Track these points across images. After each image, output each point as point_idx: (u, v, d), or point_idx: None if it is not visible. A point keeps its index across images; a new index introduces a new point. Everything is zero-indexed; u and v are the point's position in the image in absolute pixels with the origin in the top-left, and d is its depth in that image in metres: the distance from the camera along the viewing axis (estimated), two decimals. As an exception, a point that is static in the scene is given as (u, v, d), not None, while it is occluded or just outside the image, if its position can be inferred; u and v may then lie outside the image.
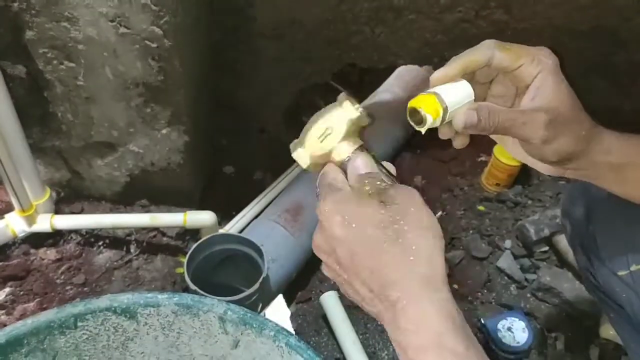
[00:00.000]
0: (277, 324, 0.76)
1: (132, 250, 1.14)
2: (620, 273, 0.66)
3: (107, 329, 0.77)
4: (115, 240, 1.14)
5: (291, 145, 0.54)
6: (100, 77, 0.97)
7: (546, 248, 1.14)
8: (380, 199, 0.46)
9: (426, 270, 0.43)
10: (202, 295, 0.89)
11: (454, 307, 0.42)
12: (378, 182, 0.48)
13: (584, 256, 0.74)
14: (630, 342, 0.73)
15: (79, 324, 0.75)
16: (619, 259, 0.67)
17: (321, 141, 0.53)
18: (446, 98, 0.52)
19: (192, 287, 0.95)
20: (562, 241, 1.12)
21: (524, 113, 0.52)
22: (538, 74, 0.52)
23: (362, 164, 0.50)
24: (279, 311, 1.10)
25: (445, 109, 0.52)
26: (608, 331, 1.00)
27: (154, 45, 0.91)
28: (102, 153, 1.09)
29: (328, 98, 1.67)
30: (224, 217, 1.19)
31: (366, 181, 0.48)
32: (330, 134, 0.53)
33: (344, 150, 0.52)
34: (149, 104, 1.00)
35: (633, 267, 0.65)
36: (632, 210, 0.62)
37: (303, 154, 0.54)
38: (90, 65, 0.95)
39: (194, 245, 1.01)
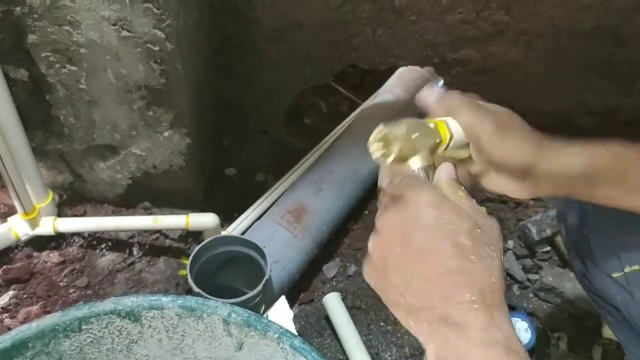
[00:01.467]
0: (281, 326, 0.76)
1: (134, 253, 1.14)
2: (614, 275, 0.67)
3: (111, 332, 0.77)
4: (118, 242, 1.14)
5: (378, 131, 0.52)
6: (103, 81, 0.97)
7: (548, 248, 1.14)
8: (473, 212, 0.45)
9: (499, 293, 0.42)
10: (206, 297, 0.90)
11: (510, 335, 0.41)
12: (473, 201, 0.47)
13: (579, 260, 0.74)
14: (628, 344, 0.73)
15: (84, 327, 0.75)
16: (612, 261, 0.67)
17: (413, 140, 0.51)
18: (453, 127, 0.53)
19: (196, 289, 0.95)
20: (562, 242, 1.12)
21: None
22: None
23: (453, 171, 0.50)
24: (281, 313, 1.10)
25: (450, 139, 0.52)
26: (610, 331, 1.00)
27: (156, 48, 0.91)
28: (104, 156, 1.09)
29: (329, 99, 1.67)
30: (226, 218, 1.20)
31: (461, 189, 0.48)
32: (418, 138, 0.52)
33: (422, 160, 0.51)
34: (151, 106, 1.00)
35: (627, 269, 0.65)
36: (625, 212, 0.62)
37: (394, 145, 0.51)
38: (92, 69, 0.95)
39: (197, 248, 1.01)
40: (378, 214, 0.48)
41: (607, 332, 1.01)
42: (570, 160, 0.54)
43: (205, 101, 1.18)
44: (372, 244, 0.47)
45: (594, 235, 0.71)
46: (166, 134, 1.04)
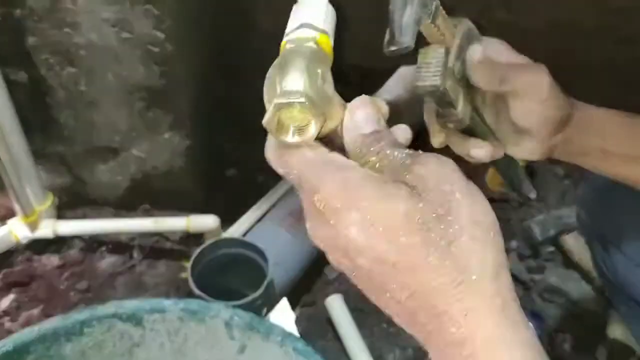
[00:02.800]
0: (284, 329, 0.75)
1: (135, 256, 1.13)
2: None
3: (113, 335, 0.77)
4: (118, 245, 1.13)
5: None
6: (103, 82, 0.97)
7: (552, 248, 1.14)
8: (403, 179, 0.32)
9: (496, 293, 0.31)
10: (207, 300, 0.89)
11: (538, 345, 0.31)
12: (396, 153, 0.33)
13: (600, 247, 0.73)
14: (637, 332, 0.73)
15: (85, 330, 0.75)
16: None
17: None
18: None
19: (197, 291, 0.94)
20: (568, 241, 1.12)
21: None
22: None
23: (364, 116, 0.35)
24: (283, 315, 1.10)
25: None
26: (615, 331, 1.00)
27: (156, 49, 0.91)
28: (104, 158, 1.08)
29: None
30: (227, 220, 1.19)
31: (372, 148, 0.34)
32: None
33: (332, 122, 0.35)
34: (151, 108, 1.00)
35: None
36: None
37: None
38: (92, 71, 0.95)
39: (198, 250, 1.00)
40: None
41: (613, 332, 1.00)
42: (588, 118, 0.53)
43: (206, 102, 1.18)
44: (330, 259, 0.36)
45: (626, 219, 0.69)
46: (166, 135, 1.04)
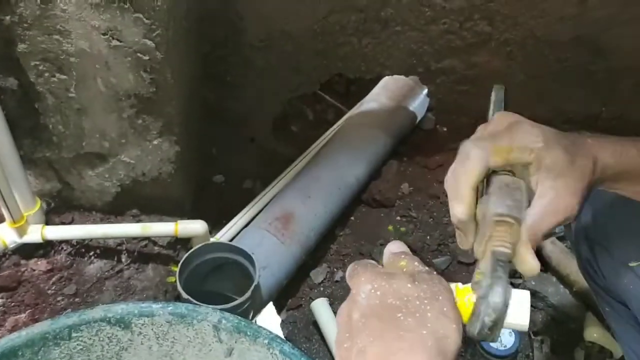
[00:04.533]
0: (271, 332, 0.77)
1: (123, 260, 1.14)
2: (631, 264, 0.68)
3: (101, 339, 0.77)
4: (106, 250, 1.14)
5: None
6: (92, 89, 0.98)
7: (531, 253, 1.17)
8: (411, 276, 0.47)
9: (437, 347, 0.42)
10: (195, 304, 0.90)
11: None
12: (415, 263, 0.49)
13: (587, 246, 0.76)
14: (626, 337, 0.75)
15: (73, 334, 0.76)
16: (631, 249, 0.68)
17: None
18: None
19: (185, 295, 0.96)
20: (546, 246, 1.15)
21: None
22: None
23: (396, 246, 0.52)
24: (269, 318, 1.11)
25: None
26: (592, 334, 1.03)
27: (146, 57, 0.92)
28: (93, 164, 1.09)
29: (316, 107, 1.69)
30: (215, 225, 1.20)
31: (402, 256, 0.50)
32: None
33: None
34: (140, 115, 1.01)
35: None
36: None
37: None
38: (82, 78, 0.96)
39: (186, 255, 1.01)
40: None
41: (589, 335, 1.03)
42: (604, 154, 0.55)
43: (195, 109, 1.19)
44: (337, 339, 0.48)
45: (613, 221, 0.72)
46: (155, 142, 1.05)
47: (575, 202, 0.51)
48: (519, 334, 1.01)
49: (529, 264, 0.50)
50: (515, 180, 0.53)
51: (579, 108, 1.31)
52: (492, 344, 1.00)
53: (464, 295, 0.49)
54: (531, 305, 1.14)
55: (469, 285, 0.50)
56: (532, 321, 1.08)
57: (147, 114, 1.01)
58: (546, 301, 1.09)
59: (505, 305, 0.46)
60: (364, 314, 0.44)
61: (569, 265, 1.09)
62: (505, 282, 0.47)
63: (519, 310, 0.48)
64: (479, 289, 0.47)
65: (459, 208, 0.52)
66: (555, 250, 1.13)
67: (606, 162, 0.55)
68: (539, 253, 1.16)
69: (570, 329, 1.06)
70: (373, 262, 0.51)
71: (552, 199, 0.51)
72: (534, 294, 1.10)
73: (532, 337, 1.06)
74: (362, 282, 0.47)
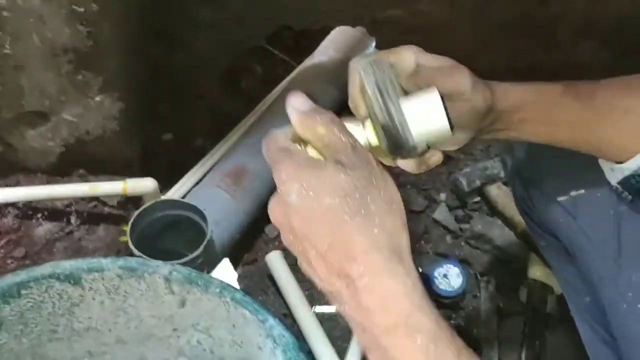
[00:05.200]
0: (222, 281, 0.78)
1: (72, 222, 1.13)
2: (560, 199, 0.72)
3: (51, 296, 0.77)
4: (54, 212, 1.12)
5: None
6: (28, 45, 0.95)
7: (478, 199, 1.21)
8: (338, 160, 0.42)
9: (390, 245, 0.40)
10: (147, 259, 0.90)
11: (418, 281, 0.41)
12: (335, 130, 0.44)
13: (522, 186, 0.79)
14: (559, 269, 0.79)
15: (23, 292, 0.75)
16: (559, 185, 0.72)
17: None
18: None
19: (137, 253, 0.96)
20: (492, 191, 1.19)
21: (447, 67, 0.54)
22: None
23: (300, 101, 0.46)
24: (225, 274, 1.12)
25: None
26: (535, 272, 1.08)
27: (81, 9, 0.89)
28: (34, 123, 1.06)
29: (264, 63, 1.67)
30: (166, 184, 1.19)
31: (318, 119, 0.44)
32: None
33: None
34: (79, 70, 0.98)
35: (573, 193, 0.71)
36: None
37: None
38: (16, 33, 0.93)
39: (136, 212, 1.01)
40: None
41: (532, 273, 1.08)
42: (507, 97, 0.56)
43: (138, 66, 1.17)
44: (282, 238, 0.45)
45: (543, 161, 0.75)
46: (97, 98, 1.03)
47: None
48: (466, 275, 1.05)
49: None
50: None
51: (521, 58, 1.34)
52: (440, 286, 1.04)
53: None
54: (477, 248, 1.18)
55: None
56: (478, 262, 1.14)
57: (86, 70, 0.98)
58: (492, 243, 1.13)
59: (388, 111, 0.45)
60: (305, 220, 0.41)
61: (513, 208, 1.13)
62: (391, 97, 0.46)
63: (433, 112, 0.47)
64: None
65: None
66: (500, 194, 1.17)
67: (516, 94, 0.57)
68: (484, 197, 1.20)
69: (515, 269, 1.11)
70: (284, 133, 0.46)
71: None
72: (480, 237, 1.14)
73: (479, 277, 1.10)
74: (286, 180, 0.42)
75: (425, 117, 0.47)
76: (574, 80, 0.60)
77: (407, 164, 0.56)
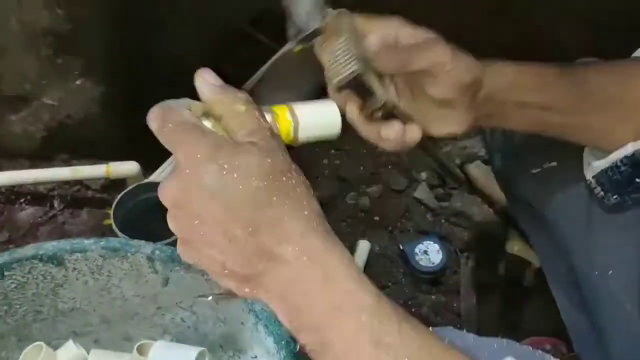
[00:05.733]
0: (204, 259, 0.79)
1: (56, 206, 1.13)
2: (533, 171, 0.74)
3: (35, 276, 0.78)
4: (38, 196, 1.13)
5: None
6: (7, 29, 0.94)
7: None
8: (254, 142, 0.40)
9: (323, 225, 0.40)
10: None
11: (352, 258, 0.41)
12: (256, 113, 0.42)
13: (500, 159, 0.81)
14: (535, 237, 0.82)
15: (6, 273, 0.76)
16: (532, 158, 0.74)
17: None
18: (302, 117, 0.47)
19: (121, 236, 0.96)
20: (472, 170, 1.21)
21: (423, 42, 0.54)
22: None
23: (212, 77, 0.44)
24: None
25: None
26: (513, 247, 1.10)
27: (60, -8, 0.89)
28: (15, 107, 1.06)
29: (248, 47, 1.67)
30: (149, 168, 1.20)
31: (239, 96, 0.42)
32: None
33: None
34: (60, 54, 0.98)
35: (545, 165, 0.73)
36: None
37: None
38: (-7, 16, 0.92)
39: (120, 194, 1.02)
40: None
41: (510, 249, 1.10)
42: (501, 76, 0.55)
43: (120, 48, 1.16)
44: (169, 220, 0.41)
45: (517, 137, 0.76)
46: (78, 82, 1.03)
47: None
48: (446, 251, 1.07)
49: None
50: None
51: (501, 37, 1.35)
52: (421, 262, 1.06)
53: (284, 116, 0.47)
54: (457, 225, 1.20)
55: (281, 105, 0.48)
56: (458, 238, 1.16)
57: (66, 53, 0.98)
58: (471, 220, 1.15)
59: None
60: (223, 204, 0.38)
61: (492, 186, 1.16)
62: None
63: (328, 117, 0.48)
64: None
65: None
66: (479, 172, 1.19)
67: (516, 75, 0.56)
68: (465, 176, 1.22)
69: (494, 245, 1.14)
70: (188, 106, 0.43)
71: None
72: (459, 214, 1.16)
73: (459, 253, 1.13)
74: (200, 161, 0.38)
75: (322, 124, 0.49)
76: (569, 62, 0.60)
77: (387, 143, 0.56)
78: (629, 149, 0.57)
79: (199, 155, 0.38)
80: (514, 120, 0.59)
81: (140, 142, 1.28)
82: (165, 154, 1.21)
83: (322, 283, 0.38)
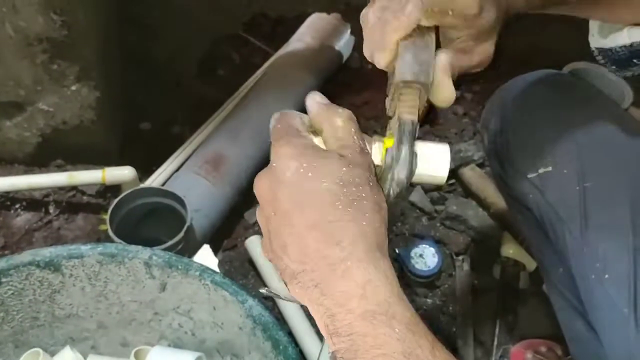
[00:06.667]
0: (201, 264, 0.79)
1: (51, 211, 1.13)
2: (529, 176, 0.74)
3: (32, 283, 0.78)
4: (33, 202, 1.12)
5: None
6: (1, 35, 0.94)
7: (453, 181, 1.23)
8: (343, 155, 0.44)
9: (376, 239, 0.42)
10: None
11: (396, 277, 0.42)
12: (353, 130, 0.46)
13: (497, 163, 0.82)
14: (534, 241, 0.82)
15: (3, 280, 0.76)
16: (528, 163, 0.75)
17: None
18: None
19: (117, 241, 0.96)
20: (467, 173, 1.21)
21: None
22: None
23: (321, 97, 0.48)
24: (205, 260, 1.14)
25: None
26: (508, 250, 1.11)
27: (55, -2, 0.89)
28: (9, 114, 1.06)
29: (242, 50, 1.67)
30: (145, 173, 1.20)
31: (340, 111, 0.46)
32: None
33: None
34: (55, 60, 0.98)
35: (541, 170, 0.73)
36: (540, 120, 0.73)
37: None
38: (-12, 22, 0.92)
39: (116, 200, 1.02)
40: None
41: (505, 252, 1.11)
42: None
43: (114, 54, 1.17)
44: (257, 212, 0.46)
45: (514, 139, 0.77)
46: (73, 87, 1.03)
47: (491, 48, 0.53)
48: (441, 255, 1.08)
49: (447, 88, 0.50)
50: (424, 39, 0.51)
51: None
52: (416, 266, 1.06)
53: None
54: (452, 228, 1.20)
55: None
56: (453, 242, 1.16)
57: (61, 59, 0.98)
58: (466, 224, 1.16)
59: (409, 178, 0.47)
60: (293, 195, 0.42)
61: (487, 189, 1.16)
62: (410, 152, 0.47)
63: (439, 162, 0.49)
64: (387, 156, 0.48)
65: (382, 58, 0.50)
66: (474, 175, 1.20)
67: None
68: (459, 179, 1.23)
69: (489, 248, 1.14)
70: (300, 117, 0.47)
71: (468, 45, 0.52)
72: (454, 218, 1.16)
73: (454, 257, 1.13)
74: (286, 157, 0.43)
75: (431, 167, 0.49)
76: None
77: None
78: (624, 36, 0.60)
79: (287, 153, 0.43)
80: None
81: (135, 147, 1.29)
82: (160, 160, 1.22)
83: (360, 289, 0.39)
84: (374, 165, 0.47)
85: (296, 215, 0.41)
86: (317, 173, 0.42)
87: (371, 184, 0.43)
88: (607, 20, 0.65)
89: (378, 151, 0.48)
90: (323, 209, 0.41)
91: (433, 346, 0.39)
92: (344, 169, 0.42)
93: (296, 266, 0.41)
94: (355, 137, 0.45)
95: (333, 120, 0.46)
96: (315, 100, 0.47)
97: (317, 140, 0.47)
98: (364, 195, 0.42)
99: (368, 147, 0.48)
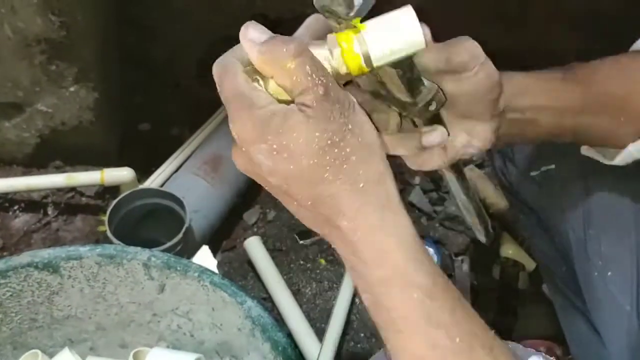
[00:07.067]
0: (200, 266, 0.79)
1: (50, 213, 1.13)
2: (532, 173, 0.75)
3: (30, 284, 0.78)
4: (31, 203, 1.12)
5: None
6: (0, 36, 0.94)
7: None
8: (304, 103, 0.38)
9: (379, 197, 0.39)
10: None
11: (414, 234, 0.40)
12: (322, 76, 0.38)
13: (501, 160, 0.82)
14: (534, 237, 0.82)
15: (1, 281, 0.76)
16: (531, 161, 0.75)
17: None
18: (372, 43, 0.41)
19: (116, 242, 0.96)
20: (466, 174, 1.21)
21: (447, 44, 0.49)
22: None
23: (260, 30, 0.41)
24: (204, 261, 1.14)
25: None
26: (508, 250, 1.11)
27: (53, -1, 0.89)
28: (8, 115, 1.06)
29: (241, 51, 1.65)
30: (144, 174, 1.20)
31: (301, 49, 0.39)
32: None
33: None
34: (53, 61, 0.98)
35: (543, 168, 0.74)
36: None
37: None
38: (-14, 23, 0.92)
39: (115, 201, 1.01)
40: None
41: (504, 252, 1.11)
42: (512, 82, 0.52)
43: (112, 55, 1.16)
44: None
45: None
46: (72, 88, 1.03)
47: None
48: (441, 255, 1.08)
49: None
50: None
51: (494, 44, 1.36)
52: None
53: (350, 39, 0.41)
54: (451, 229, 1.20)
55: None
56: (452, 242, 1.16)
57: (60, 60, 0.98)
58: (465, 224, 1.16)
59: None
60: (282, 179, 0.39)
61: (486, 190, 1.16)
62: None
63: (405, 26, 0.42)
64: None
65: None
66: (473, 176, 1.20)
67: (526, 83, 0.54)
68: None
69: (487, 248, 1.14)
70: (240, 73, 0.40)
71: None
72: (453, 218, 1.16)
73: (453, 257, 1.13)
74: (249, 139, 0.39)
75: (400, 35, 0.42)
76: (570, 64, 0.58)
77: (426, 156, 0.51)
78: (631, 151, 0.58)
79: (249, 134, 0.38)
80: (531, 128, 0.56)
81: (134, 148, 1.29)
82: (159, 161, 1.22)
83: (374, 256, 0.39)
84: (338, 74, 0.41)
85: (293, 194, 0.40)
86: (291, 151, 0.38)
87: (350, 126, 0.39)
88: (610, 142, 0.60)
89: (339, 59, 0.41)
90: (315, 186, 0.38)
91: (453, 308, 0.39)
92: (317, 133, 0.37)
93: (316, 230, 0.42)
94: (313, 76, 0.38)
95: (281, 64, 0.38)
96: (253, 42, 0.40)
97: (266, 86, 0.40)
98: (348, 150, 0.38)
99: (330, 59, 0.41)
